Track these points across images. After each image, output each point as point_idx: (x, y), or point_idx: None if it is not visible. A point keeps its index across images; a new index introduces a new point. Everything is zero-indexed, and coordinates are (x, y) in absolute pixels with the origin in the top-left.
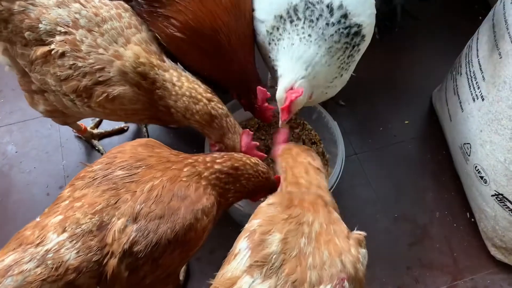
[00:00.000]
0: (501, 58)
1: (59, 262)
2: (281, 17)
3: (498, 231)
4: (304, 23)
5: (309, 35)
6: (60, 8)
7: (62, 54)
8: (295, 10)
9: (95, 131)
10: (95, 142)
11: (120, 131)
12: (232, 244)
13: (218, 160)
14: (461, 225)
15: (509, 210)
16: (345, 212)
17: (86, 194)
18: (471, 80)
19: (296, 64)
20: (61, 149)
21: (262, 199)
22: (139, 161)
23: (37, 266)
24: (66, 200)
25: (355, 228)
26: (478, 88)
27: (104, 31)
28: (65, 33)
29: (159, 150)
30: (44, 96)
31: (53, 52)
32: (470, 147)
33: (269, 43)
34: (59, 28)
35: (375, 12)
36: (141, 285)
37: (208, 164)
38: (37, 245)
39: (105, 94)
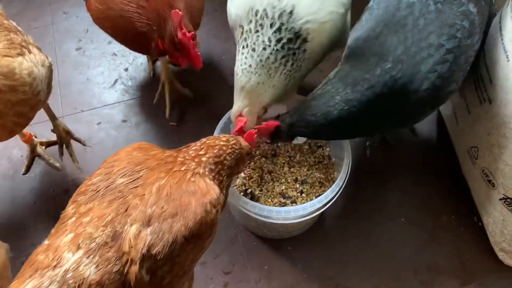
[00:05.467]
0: (508, 61)
1: (80, 280)
2: (242, 29)
3: (507, 235)
4: (248, 51)
5: (250, 66)
6: None
7: None
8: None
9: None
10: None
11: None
12: (236, 248)
13: (200, 152)
14: (469, 229)
15: None
16: (352, 216)
17: (92, 208)
18: (478, 82)
19: (241, 94)
20: (65, 153)
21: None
22: (138, 165)
23: None
24: (72, 217)
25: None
26: (486, 91)
27: None
28: None
29: (154, 152)
30: None
31: None
32: (478, 151)
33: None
34: None
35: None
36: (161, 286)
37: (196, 160)
38: (54, 267)
39: None
